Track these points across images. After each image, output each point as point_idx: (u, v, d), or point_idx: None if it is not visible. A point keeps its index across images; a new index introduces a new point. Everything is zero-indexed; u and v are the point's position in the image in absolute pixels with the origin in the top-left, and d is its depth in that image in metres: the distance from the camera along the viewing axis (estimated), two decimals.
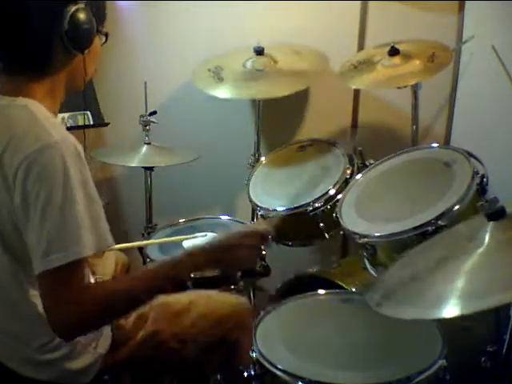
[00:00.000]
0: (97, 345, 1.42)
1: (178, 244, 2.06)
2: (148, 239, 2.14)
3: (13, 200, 1.20)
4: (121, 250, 1.89)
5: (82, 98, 1.44)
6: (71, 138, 1.23)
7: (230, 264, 1.40)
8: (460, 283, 1.16)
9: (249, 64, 2.31)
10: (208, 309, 1.57)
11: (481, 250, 1.21)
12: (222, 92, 2.24)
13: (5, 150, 1.20)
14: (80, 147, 1.23)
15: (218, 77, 2.27)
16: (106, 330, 1.44)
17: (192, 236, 1.99)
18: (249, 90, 2.28)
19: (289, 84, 2.26)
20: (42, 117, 1.24)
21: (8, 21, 1.24)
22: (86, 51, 1.30)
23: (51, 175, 1.17)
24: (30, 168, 1.17)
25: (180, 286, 1.33)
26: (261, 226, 1.45)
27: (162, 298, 1.41)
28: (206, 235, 1.98)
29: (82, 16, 1.26)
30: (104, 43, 1.38)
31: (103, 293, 1.23)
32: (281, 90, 2.24)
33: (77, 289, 1.18)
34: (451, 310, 1.11)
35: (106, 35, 1.37)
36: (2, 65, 1.29)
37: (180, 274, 1.32)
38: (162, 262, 1.38)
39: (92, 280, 1.43)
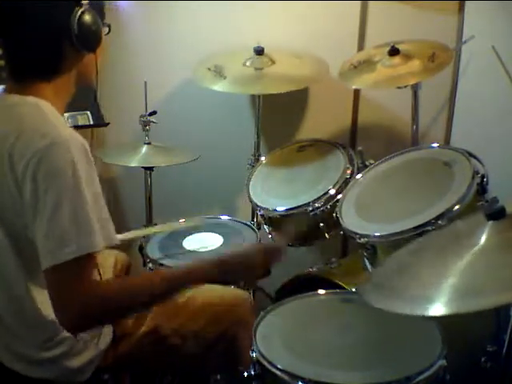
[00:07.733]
0: (98, 341, 1.42)
1: (178, 243, 2.08)
2: (148, 240, 2.14)
3: (22, 194, 1.21)
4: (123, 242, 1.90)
5: (82, 98, 1.44)
6: (79, 136, 1.26)
7: (241, 278, 1.47)
8: (450, 281, 1.14)
9: (248, 64, 2.31)
10: (207, 304, 1.58)
11: (475, 249, 1.20)
12: (222, 87, 2.24)
13: (15, 145, 1.22)
14: (87, 146, 1.26)
15: (220, 74, 2.27)
16: (107, 326, 1.45)
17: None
18: (249, 86, 2.29)
19: (288, 81, 2.26)
20: (52, 115, 1.26)
21: (15, 27, 1.26)
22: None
23: (61, 171, 1.18)
24: (39, 164, 1.19)
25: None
26: (275, 243, 1.50)
27: None
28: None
29: (88, 17, 1.28)
30: (107, 34, 1.40)
31: (111, 290, 1.25)
32: (281, 86, 2.24)
33: (86, 283, 1.19)
34: (438, 308, 1.10)
35: (109, 26, 1.39)
36: (12, 69, 1.32)
37: (190, 284, 1.36)
38: (175, 270, 1.42)
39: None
